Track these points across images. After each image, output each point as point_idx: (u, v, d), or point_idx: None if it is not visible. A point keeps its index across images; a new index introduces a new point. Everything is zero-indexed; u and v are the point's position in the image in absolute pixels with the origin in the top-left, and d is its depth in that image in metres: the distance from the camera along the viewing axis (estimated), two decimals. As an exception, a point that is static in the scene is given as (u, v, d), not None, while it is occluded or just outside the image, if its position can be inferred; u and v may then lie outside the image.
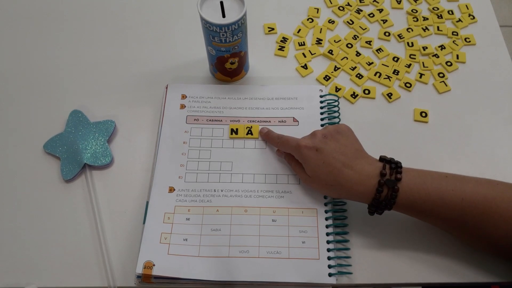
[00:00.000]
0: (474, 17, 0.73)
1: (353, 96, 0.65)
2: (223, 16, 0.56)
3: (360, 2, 0.75)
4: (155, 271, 0.50)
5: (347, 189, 0.50)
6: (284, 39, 0.71)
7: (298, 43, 0.70)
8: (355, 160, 0.50)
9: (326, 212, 0.55)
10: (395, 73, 0.67)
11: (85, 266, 0.53)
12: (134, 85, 0.67)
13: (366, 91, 0.65)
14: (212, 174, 0.58)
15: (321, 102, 0.63)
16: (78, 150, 0.60)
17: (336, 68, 0.68)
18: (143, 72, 0.68)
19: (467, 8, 0.74)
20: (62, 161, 0.59)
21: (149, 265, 0.51)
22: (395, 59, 0.68)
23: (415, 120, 0.63)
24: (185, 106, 0.63)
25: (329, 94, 0.65)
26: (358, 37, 0.71)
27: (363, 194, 0.49)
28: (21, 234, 0.55)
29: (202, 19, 0.56)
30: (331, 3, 0.75)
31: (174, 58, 0.69)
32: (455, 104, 0.64)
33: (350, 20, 0.73)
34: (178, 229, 0.54)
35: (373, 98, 0.65)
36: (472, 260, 0.52)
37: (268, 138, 0.59)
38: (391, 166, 0.49)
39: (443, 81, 0.66)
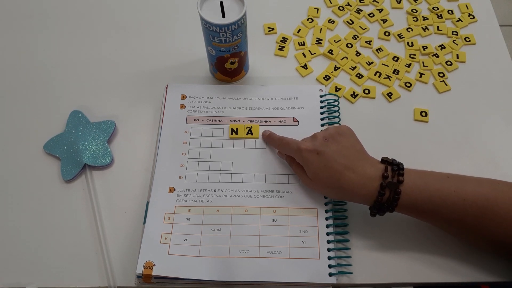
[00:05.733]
0: (474, 17, 0.73)
1: (353, 95, 0.65)
2: (223, 16, 0.56)
3: (360, 2, 0.75)
4: (156, 271, 0.50)
5: (349, 192, 0.50)
6: (284, 39, 0.71)
7: (298, 43, 0.70)
8: (356, 162, 0.50)
9: (326, 212, 0.55)
10: (395, 72, 0.67)
11: (85, 266, 0.53)
12: (134, 85, 0.67)
13: (366, 91, 0.65)
14: (212, 174, 0.58)
15: (321, 102, 0.63)
16: (78, 151, 0.60)
17: (336, 68, 0.68)
18: (143, 72, 0.68)
19: (467, 8, 0.74)
20: (62, 162, 0.59)
21: (149, 265, 0.51)
22: (395, 58, 0.68)
23: (415, 120, 0.63)
24: (185, 106, 0.63)
25: (329, 94, 0.65)
26: (358, 37, 0.71)
27: (365, 197, 0.49)
28: (21, 234, 0.55)
29: (202, 19, 0.56)
30: (331, 3, 0.75)
31: (174, 58, 0.69)
32: (455, 104, 0.64)
33: (350, 20, 0.73)
34: (179, 229, 0.54)
35: (373, 98, 0.65)
36: (472, 259, 0.52)
37: (269, 140, 0.59)
38: (393, 168, 0.49)
39: (443, 81, 0.66)
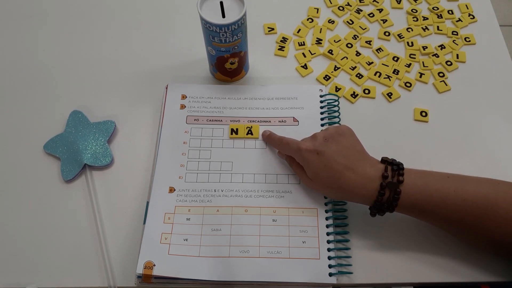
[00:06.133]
0: (474, 17, 0.73)
1: (353, 95, 0.65)
2: (223, 16, 0.56)
3: (360, 2, 0.75)
4: (156, 271, 0.50)
5: (349, 192, 0.50)
6: (284, 39, 0.71)
7: (298, 43, 0.70)
8: (356, 162, 0.50)
9: (326, 212, 0.55)
10: (395, 72, 0.67)
11: (85, 266, 0.53)
12: (134, 85, 0.67)
13: (366, 91, 0.65)
14: (212, 174, 0.58)
15: (321, 102, 0.63)
16: (78, 151, 0.60)
17: (336, 68, 0.68)
18: (143, 72, 0.68)
19: (467, 8, 0.74)
20: (62, 162, 0.59)
21: (149, 265, 0.51)
22: (395, 58, 0.68)
23: (415, 120, 0.63)
24: (185, 106, 0.63)
25: (329, 93, 0.65)
26: (358, 37, 0.71)
27: (365, 197, 0.49)
28: (21, 234, 0.55)
29: (202, 19, 0.56)
30: (331, 3, 0.75)
31: (174, 58, 0.69)
32: (455, 104, 0.64)
33: (350, 20, 0.73)
34: (179, 229, 0.54)
35: (373, 98, 0.65)
36: (472, 259, 0.52)
37: (269, 140, 0.59)
38: (393, 168, 0.49)
39: (443, 81, 0.66)
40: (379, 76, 0.67)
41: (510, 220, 0.46)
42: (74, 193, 0.58)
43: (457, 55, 0.69)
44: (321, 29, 0.72)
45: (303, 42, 0.71)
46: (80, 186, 0.58)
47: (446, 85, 0.66)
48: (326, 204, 0.55)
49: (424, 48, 0.69)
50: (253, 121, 0.62)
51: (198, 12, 0.55)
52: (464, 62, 0.68)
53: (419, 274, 0.52)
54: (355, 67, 0.68)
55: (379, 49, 0.69)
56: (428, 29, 0.72)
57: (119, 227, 0.55)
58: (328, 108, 0.63)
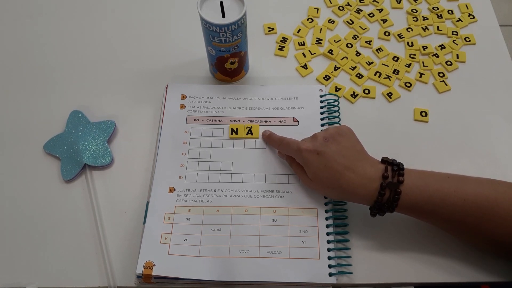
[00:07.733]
0: (474, 17, 0.73)
1: (353, 95, 0.65)
2: (223, 16, 0.56)
3: (360, 2, 0.75)
4: (156, 271, 0.50)
5: (349, 192, 0.50)
6: (284, 39, 0.71)
7: (298, 43, 0.70)
8: (356, 162, 0.50)
9: (326, 212, 0.55)
10: (395, 72, 0.67)
11: (85, 266, 0.53)
12: (134, 85, 0.67)
13: (366, 91, 0.65)
14: (212, 174, 0.58)
15: (321, 102, 0.63)
16: (78, 151, 0.60)
17: (336, 68, 0.68)
18: (143, 72, 0.68)
19: (467, 8, 0.74)
20: (62, 162, 0.59)
21: (149, 265, 0.51)
22: (395, 58, 0.68)
23: (415, 120, 0.63)
24: (185, 106, 0.63)
25: (329, 93, 0.65)
26: (358, 37, 0.71)
27: (365, 197, 0.49)
28: (21, 234, 0.55)
29: (202, 19, 0.56)
30: (331, 3, 0.75)
31: (174, 57, 0.69)
32: (455, 104, 0.64)
33: (350, 20, 0.73)
34: (179, 229, 0.54)
35: (373, 98, 0.65)
36: (472, 259, 0.52)
37: (269, 141, 0.59)
38: (393, 168, 0.49)
39: (443, 81, 0.66)
40: (379, 76, 0.67)
41: (510, 221, 0.46)
42: (74, 193, 0.58)
43: (457, 55, 0.69)
44: (321, 29, 0.72)
45: (303, 42, 0.71)
46: (80, 186, 0.58)
47: (446, 85, 0.66)
48: (326, 204, 0.55)
49: (424, 48, 0.69)
50: (253, 121, 0.62)
51: (198, 12, 0.55)
52: (464, 62, 0.68)
53: (419, 274, 0.52)
54: (355, 67, 0.68)
55: (379, 49, 0.69)
56: (428, 29, 0.72)
57: (119, 227, 0.55)
58: (328, 108, 0.63)
